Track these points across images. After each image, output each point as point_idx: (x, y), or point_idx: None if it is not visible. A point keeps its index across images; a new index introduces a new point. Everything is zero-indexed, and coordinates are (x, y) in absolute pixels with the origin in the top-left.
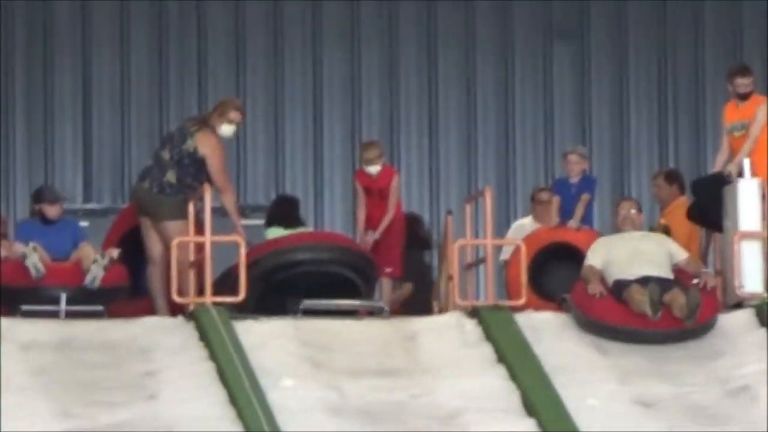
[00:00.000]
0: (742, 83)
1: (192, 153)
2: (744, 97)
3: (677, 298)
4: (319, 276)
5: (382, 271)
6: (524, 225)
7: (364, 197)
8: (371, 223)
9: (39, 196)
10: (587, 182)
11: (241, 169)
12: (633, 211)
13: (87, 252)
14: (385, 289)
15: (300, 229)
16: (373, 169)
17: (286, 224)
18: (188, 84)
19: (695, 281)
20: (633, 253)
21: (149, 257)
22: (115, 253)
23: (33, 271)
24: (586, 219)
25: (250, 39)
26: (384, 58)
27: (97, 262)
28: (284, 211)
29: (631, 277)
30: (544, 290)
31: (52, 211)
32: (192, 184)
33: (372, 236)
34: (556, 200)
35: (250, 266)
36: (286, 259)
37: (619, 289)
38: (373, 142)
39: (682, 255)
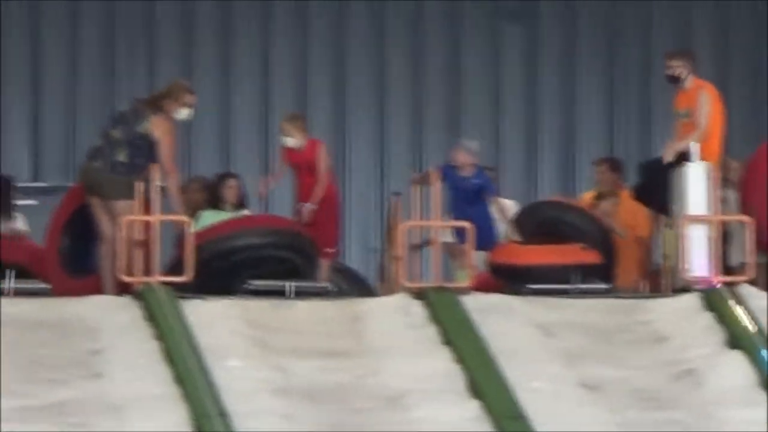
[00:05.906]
0: (668, 65)
1: (145, 135)
2: (672, 80)
3: None
4: (259, 260)
5: (323, 251)
6: None
7: (282, 172)
8: (305, 199)
9: None
10: (488, 181)
11: (192, 146)
12: None
13: None
14: (324, 269)
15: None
16: (291, 141)
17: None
18: (138, 62)
19: None
20: None
21: (102, 236)
22: None
23: None
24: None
25: (200, 12)
26: (333, 37)
27: None
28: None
29: None
30: None
31: None
32: (143, 164)
33: (309, 208)
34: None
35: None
36: (225, 247)
37: None
38: (294, 114)
39: None
